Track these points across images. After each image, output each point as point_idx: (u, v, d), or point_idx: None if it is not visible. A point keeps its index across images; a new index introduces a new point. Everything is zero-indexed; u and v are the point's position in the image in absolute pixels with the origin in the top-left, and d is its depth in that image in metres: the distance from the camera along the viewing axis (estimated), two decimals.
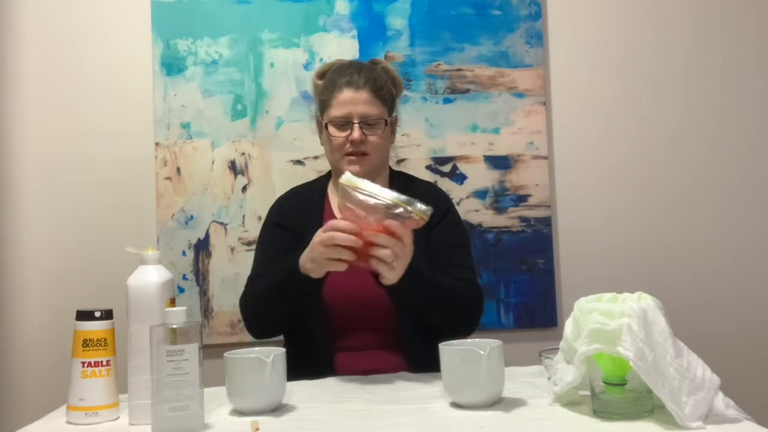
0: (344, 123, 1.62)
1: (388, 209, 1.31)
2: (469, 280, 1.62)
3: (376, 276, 1.38)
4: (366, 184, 1.33)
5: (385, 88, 1.67)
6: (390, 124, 1.69)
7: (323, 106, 1.68)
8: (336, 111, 1.63)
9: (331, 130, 1.64)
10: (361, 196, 1.32)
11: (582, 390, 1.12)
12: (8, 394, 2.14)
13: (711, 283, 2.30)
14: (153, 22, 2.21)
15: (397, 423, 1.10)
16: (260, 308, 1.59)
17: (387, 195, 1.32)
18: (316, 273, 1.40)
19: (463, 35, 2.27)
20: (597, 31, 2.33)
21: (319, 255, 1.36)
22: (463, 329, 1.58)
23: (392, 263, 1.32)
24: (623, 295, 1.13)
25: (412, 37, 2.26)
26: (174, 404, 1.06)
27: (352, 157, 1.62)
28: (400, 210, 1.31)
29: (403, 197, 1.32)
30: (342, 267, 1.35)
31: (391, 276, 1.35)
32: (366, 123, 1.62)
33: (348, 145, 1.62)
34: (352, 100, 1.62)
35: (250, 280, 1.67)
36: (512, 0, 2.28)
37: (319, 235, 1.36)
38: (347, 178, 1.34)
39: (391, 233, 1.31)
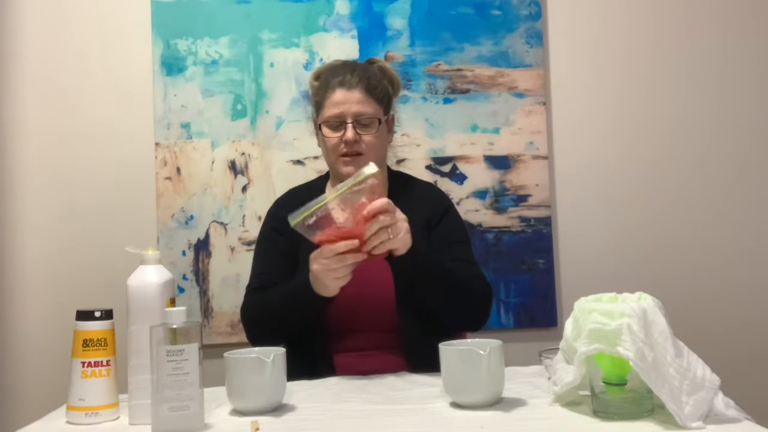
0: (338, 123, 1.61)
1: (347, 199, 1.32)
2: (477, 272, 1.61)
3: (388, 258, 1.40)
4: (313, 203, 1.32)
5: (379, 87, 1.65)
6: (386, 123, 1.68)
7: (317, 107, 1.67)
8: (329, 111, 1.61)
9: (325, 131, 1.63)
10: (319, 213, 1.32)
11: (582, 390, 1.12)
12: (8, 394, 2.14)
13: (711, 283, 2.30)
14: (153, 22, 2.21)
15: (397, 423, 1.10)
16: (268, 323, 1.56)
17: (332, 193, 1.33)
18: (330, 292, 1.41)
19: (463, 35, 2.27)
20: (597, 31, 2.33)
21: (326, 276, 1.37)
22: (474, 319, 1.57)
23: (390, 234, 1.34)
24: (623, 295, 1.13)
25: (412, 37, 2.26)
26: (174, 404, 1.06)
27: (346, 158, 1.61)
28: (355, 189, 1.32)
29: (347, 181, 1.33)
30: (348, 276, 1.37)
31: (398, 245, 1.36)
32: (359, 123, 1.60)
33: (342, 145, 1.60)
34: (344, 99, 1.60)
35: (250, 290, 1.65)
36: (512, 0, 2.29)
37: (317, 260, 1.37)
38: (292, 219, 1.33)
39: (372, 216, 1.32)
